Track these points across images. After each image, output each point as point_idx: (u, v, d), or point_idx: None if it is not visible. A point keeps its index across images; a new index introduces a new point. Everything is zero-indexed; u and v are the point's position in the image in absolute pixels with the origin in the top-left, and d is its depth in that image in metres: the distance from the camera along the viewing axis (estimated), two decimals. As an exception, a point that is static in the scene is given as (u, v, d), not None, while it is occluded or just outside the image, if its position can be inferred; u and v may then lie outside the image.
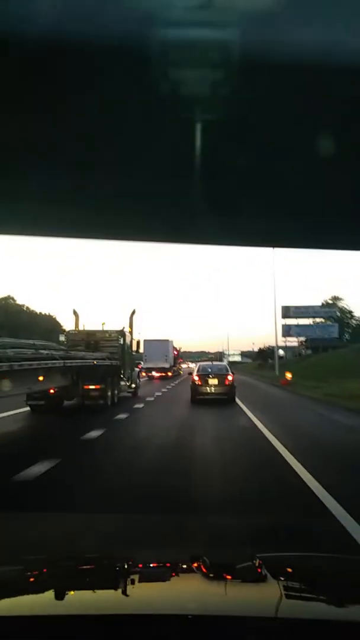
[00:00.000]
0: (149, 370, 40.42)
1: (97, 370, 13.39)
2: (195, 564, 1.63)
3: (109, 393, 13.82)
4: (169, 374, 40.94)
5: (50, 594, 1.32)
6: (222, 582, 1.52)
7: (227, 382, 16.37)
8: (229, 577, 1.54)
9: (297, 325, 62.53)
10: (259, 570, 1.56)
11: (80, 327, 17.29)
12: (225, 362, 20.92)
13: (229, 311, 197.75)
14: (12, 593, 1.34)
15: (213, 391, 16.15)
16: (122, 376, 15.89)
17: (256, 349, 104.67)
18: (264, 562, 1.57)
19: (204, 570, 1.57)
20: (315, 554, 1.89)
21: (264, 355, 64.10)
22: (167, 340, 43.46)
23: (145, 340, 41.61)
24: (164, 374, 40.32)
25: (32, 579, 1.50)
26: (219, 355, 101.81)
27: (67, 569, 1.56)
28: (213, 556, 1.68)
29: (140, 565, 1.64)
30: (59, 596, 1.30)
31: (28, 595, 1.37)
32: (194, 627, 1.10)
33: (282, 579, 1.52)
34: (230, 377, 16.60)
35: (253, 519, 3.27)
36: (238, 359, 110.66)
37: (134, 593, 1.36)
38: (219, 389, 16.20)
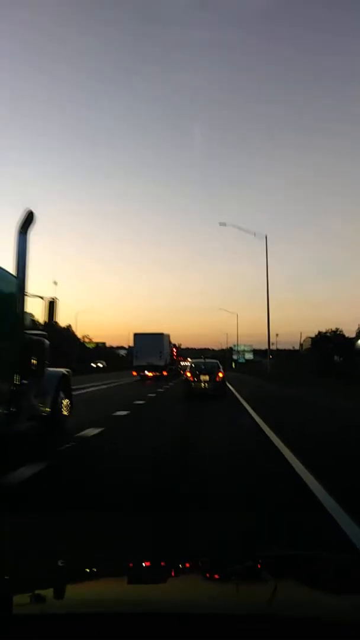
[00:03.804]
0: (139, 368, 35.02)
1: None
2: (195, 563, 1.68)
3: None
4: (164, 373, 35.05)
5: (49, 593, 1.34)
6: (222, 581, 1.53)
7: (217, 379, 17.43)
8: (229, 576, 1.54)
9: None
10: (259, 569, 1.59)
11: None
12: (217, 360, 20.49)
13: (238, 300, 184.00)
14: (12, 592, 1.36)
15: (204, 387, 17.10)
16: None
17: (279, 346, 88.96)
18: (263, 561, 1.64)
19: (203, 569, 1.61)
20: (314, 553, 1.98)
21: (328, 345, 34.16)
22: (162, 334, 37.34)
23: (135, 334, 37.21)
24: (157, 374, 34.42)
25: (31, 578, 1.51)
26: (228, 354, 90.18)
27: (66, 569, 1.60)
28: (213, 555, 1.77)
29: (140, 564, 1.69)
30: (59, 595, 1.34)
31: (28, 595, 1.34)
32: (194, 626, 1.10)
33: (282, 578, 1.54)
34: (220, 374, 17.66)
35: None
36: (250, 357, 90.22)
37: (134, 592, 1.41)
38: (210, 385, 17.18)
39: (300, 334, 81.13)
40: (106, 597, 1.32)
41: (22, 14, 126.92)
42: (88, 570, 1.61)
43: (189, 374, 17.59)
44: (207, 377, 17.18)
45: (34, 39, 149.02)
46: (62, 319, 75.41)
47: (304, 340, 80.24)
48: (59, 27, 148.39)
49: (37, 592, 1.35)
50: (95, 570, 1.60)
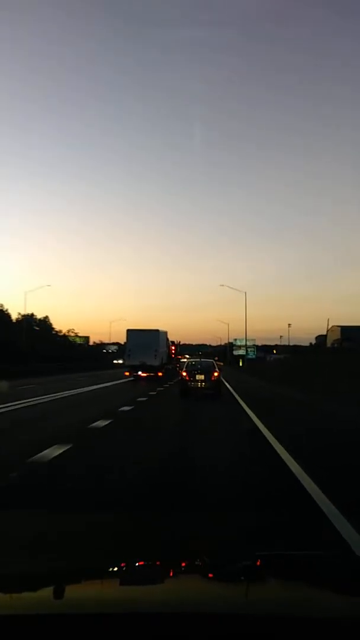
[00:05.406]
0: (133, 368, 32.44)
1: None
2: (196, 563, 1.67)
3: None
4: (159, 374, 32.29)
5: (49, 593, 1.30)
6: (222, 581, 1.51)
7: (213, 378, 18.19)
8: (229, 576, 1.53)
9: None
10: (259, 569, 1.59)
11: None
12: (212, 360, 21.18)
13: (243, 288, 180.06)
14: (12, 592, 1.34)
15: (200, 386, 17.86)
16: None
17: (284, 341, 76.10)
18: (263, 560, 1.63)
19: (204, 569, 1.60)
20: (314, 553, 1.91)
21: None
22: (157, 331, 34.80)
23: (128, 331, 34.92)
24: (152, 374, 31.72)
25: (31, 578, 1.48)
26: (228, 349, 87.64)
27: (66, 568, 1.58)
28: (213, 555, 1.74)
29: (140, 564, 1.67)
30: (59, 595, 1.29)
31: (28, 595, 1.35)
32: (194, 626, 1.10)
33: (282, 577, 1.54)
34: (216, 374, 18.48)
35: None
36: (252, 354, 73.05)
37: (134, 592, 1.39)
38: (206, 384, 17.93)
39: (328, 320, 61.09)
40: (105, 597, 1.34)
41: (16, 17, 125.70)
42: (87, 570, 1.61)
43: (184, 374, 18.72)
44: (202, 377, 18.07)
45: (28, 42, 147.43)
46: (39, 310, 71.32)
47: (331, 329, 60.75)
48: (54, 28, 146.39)
49: (36, 592, 1.37)
50: (94, 570, 1.59)
